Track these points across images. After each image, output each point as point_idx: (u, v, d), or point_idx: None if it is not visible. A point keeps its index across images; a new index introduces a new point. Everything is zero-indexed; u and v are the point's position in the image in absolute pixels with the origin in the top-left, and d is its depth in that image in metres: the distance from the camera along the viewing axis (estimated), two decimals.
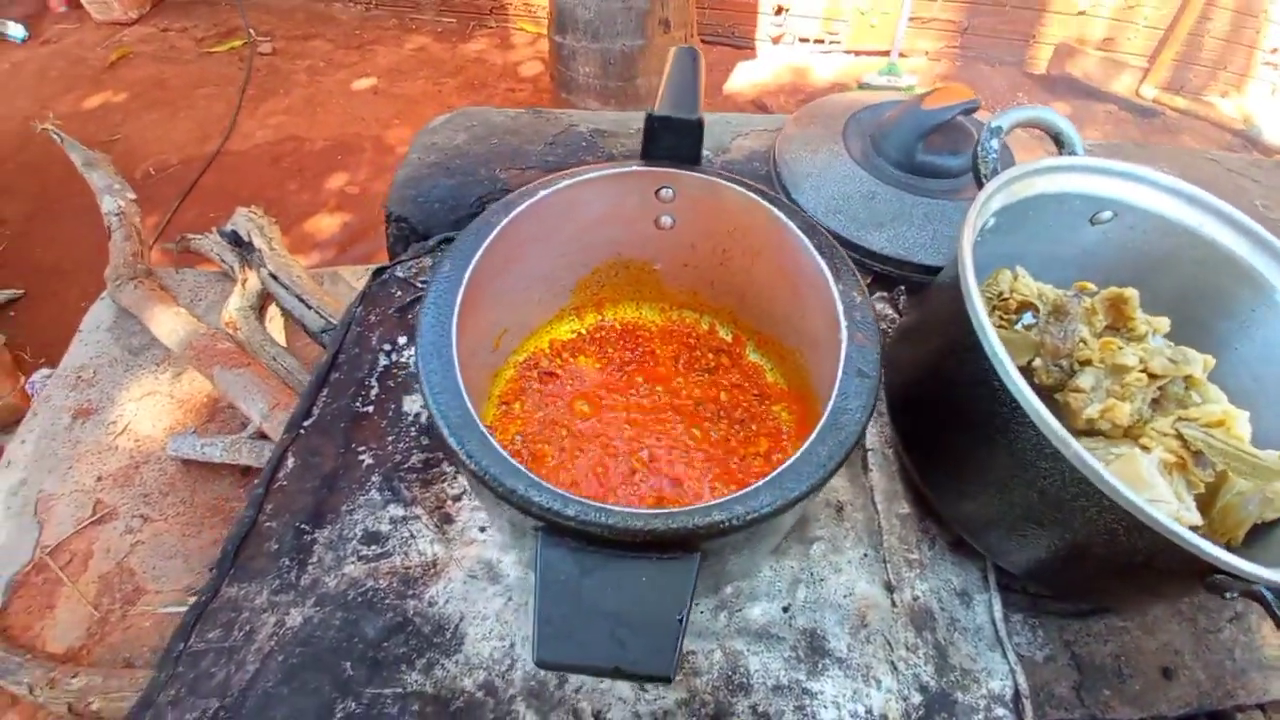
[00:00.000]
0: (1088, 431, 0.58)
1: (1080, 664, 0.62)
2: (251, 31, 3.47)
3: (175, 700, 0.53)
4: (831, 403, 0.46)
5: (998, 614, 0.61)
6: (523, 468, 0.42)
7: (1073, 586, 0.60)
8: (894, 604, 0.61)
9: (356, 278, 1.63)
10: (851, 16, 3.37)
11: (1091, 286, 0.65)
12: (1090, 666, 0.62)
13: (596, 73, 2.60)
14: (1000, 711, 0.55)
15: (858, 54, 3.47)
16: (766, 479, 0.43)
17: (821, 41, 3.49)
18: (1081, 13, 3.17)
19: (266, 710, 0.52)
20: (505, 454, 0.43)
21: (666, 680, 0.40)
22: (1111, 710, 0.60)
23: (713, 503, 0.42)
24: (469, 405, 0.45)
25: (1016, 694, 0.56)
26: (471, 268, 0.53)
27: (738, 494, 0.42)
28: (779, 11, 3.44)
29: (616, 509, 0.41)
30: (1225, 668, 0.63)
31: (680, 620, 0.40)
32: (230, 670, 0.55)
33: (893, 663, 0.58)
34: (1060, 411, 0.59)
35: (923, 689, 0.56)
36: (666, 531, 0.41)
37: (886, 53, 3.37)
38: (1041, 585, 0.63)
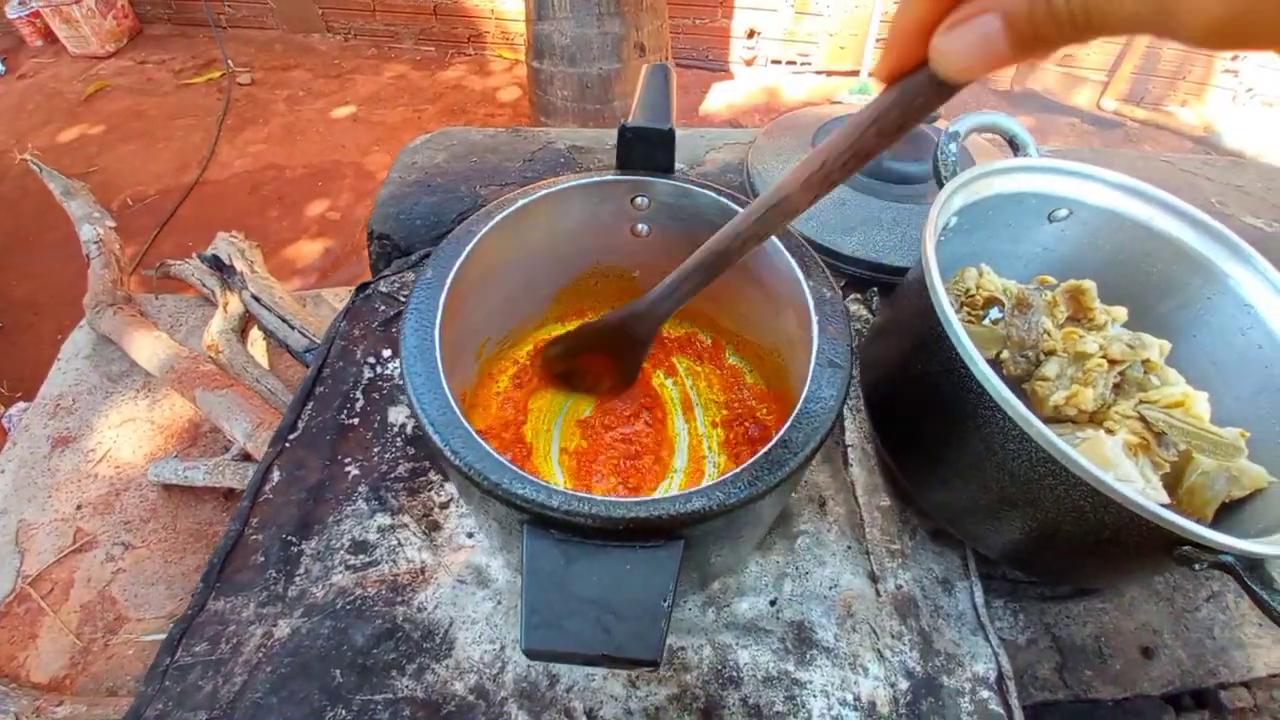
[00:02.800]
0: (1055, 419, 0.61)
1: (1061, 646, 0.63)
2: (230, 63, 3.50)
3: (163, 715, 0.53)
4: (805, 392, 0.48)
5: (979, 599, 0.63)
6: (507, 461, 0.43)
7: (1047, 567, 0.61)
8: (878, 594, 0.63)
9: (339, 299, 1.63)
10: (822, 39, 3.47)
11: (1052, 280, 0.68)
12: (1071, 648, 0.63)
13: (574, 96, 2.65)
14: (985, 693, 0.57)
15: (829, 74, 3.57)
16: (744, 466, 0.44)
17: (793, 63, 3.58)
18: None
19: None
20: (490, 449, 0.44)
21: (654, 665, 0.40)
22: (1094, 690, 0.61)
23: (692, 490, 0.43)
24: (453, 404, 0.46)
25: (1000, 676, 0.58)
26: (453, 274, 0.54)
27: (717, 481, 0.43)
28: (751, 35, 3.54)
29: (599, 498, 0.42)
30: (1206, 646, 0.65)
31: (665, 605, 0.41)
32: (218, 683, 0.54)
33: (879, 651, 0.59)
34: (1029, 401, 0.61)
35: (909, 674, 0.57)
36: (649, 519, 0.42)
37: (856, 72, 3.47)
38: (1018, 568, 0.65)
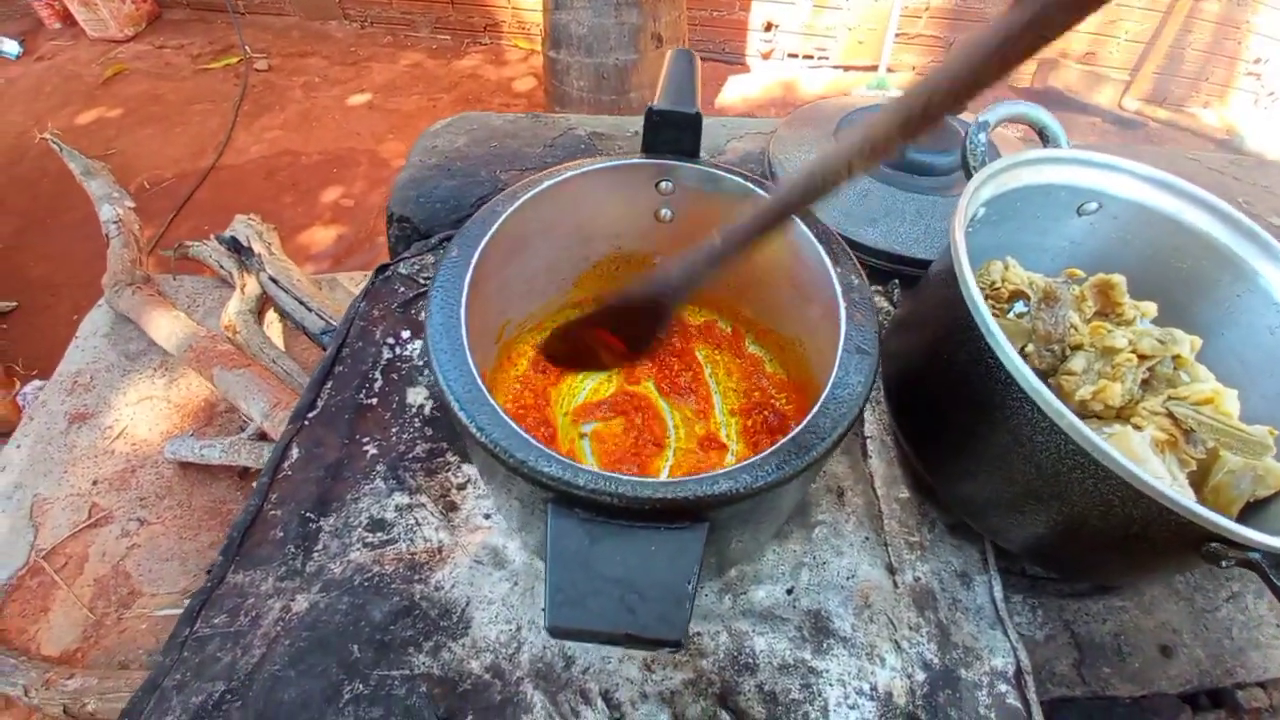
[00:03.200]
0: (1081, 414, 0.60)
1: (1080, 643, 0.63)
2: (247, 49, 3.51)
3: (181, 684, 0.53)
4: (833, 377, 0.48)
5: (998, 594, 0.62)
6: (533, 439, 0.43)
7: (1071, 563, 0.61)
8: (896, 585, 0.62)
9: (354, 284, 1.64)
10: (840, 33, 3.44)
11: (1080, 273, 0.67)
12: (1090, 645, 0.62)
13: (590, 87, 2.64)
14: (1003, 687, 0.56)
15: (846, 69, 3.54)
16: (771, 449, 0.44)
17: (810, 57, 3.56)
18: None
19: (274, 692, 0.52)
20: (516, 427, 0.44)
21: (678, 646, 0.40)
22: (1112, 687, 0.61)
23: (719, 472, 0.43)
24: (479, 381, 0.46)
25: (1019, 670, 0.57)
26: (478, 254, 0.54)
27: (743, 464, 0.43)
28: (768, 28, 3.51)
29: (626, 478, 0.42)
30: (1224, 646, 0.64)
31: (690, 587, 0.40)
32: (236, 654, 0.55)
33: (896, 642, 0.59)
34: (1055, 396, 0.61)
35: (927, 666, 0.57)
36: (675, 500, 0.42)
37: (874, 68, 3.44)
38: (1040, 563, 0.64)
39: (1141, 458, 0.54)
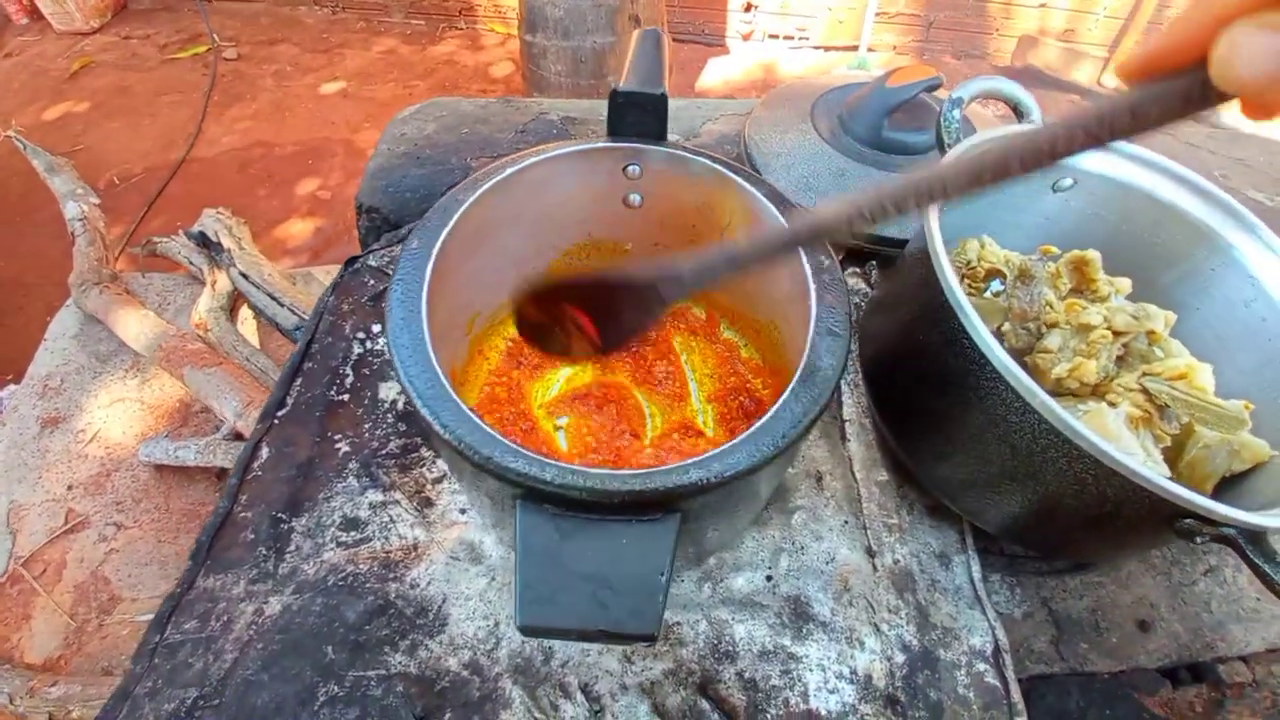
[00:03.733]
0: (1057, 391, 0.60)
1: (1058, 619, 0.63)
2: (215, 37, 3.42)
3: (153, 691, 0.52)
4: (803, 361, 0.47)
5: (976, 574, 0.62)
6: (498, 435, 0.42)
7: (1047, 541, 0.61)
8: (875, 568, 0.62)
9: (329, 277, 1.61)
10: (820, 13, 3.41)
11: (1055, 250, 0.67)
12: (1067, 621, 0.63)
13: (568, 70, 2.60)
14: (981, 666, 0.56)
15: (827, 49, 3.51)
16: (742, 437, 0.43)
17: (791, 38, 3.52)
18: (1043, 4, 3.24)
19: (247, 697, 0.52)
20: (480, 422, 0.43)
21: (651, 640, 0.40)
22: (1090, 663, 0.61)
23: (689, 461, 0.42)
24: (442, 377, 0.45)
25: (996, 649, 0.57)
26: (439, 245, 0.53)
27: (714, 452, 0.43)
28: (748, 9, 3.47)
29: (594, 471, 0.41)
30: (1203, 620, 0.65)
31: (663, 579, 0.40)
32: (209, 660, 0.54)
33: (875, 624, 0.58)
34: (1031, 374, 0.60)
35: (905, 648, 0.57)
36: (645, 491, 0.41)
37: (854, 48, 3.42)
38: (1017, 542, 0.64)
39: (1116, 435, 0.54)
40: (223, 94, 3.14)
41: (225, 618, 0.56)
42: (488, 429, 0.42)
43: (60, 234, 1.61)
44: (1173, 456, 0.57)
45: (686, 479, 0.41)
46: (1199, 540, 0.47)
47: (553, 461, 0.41)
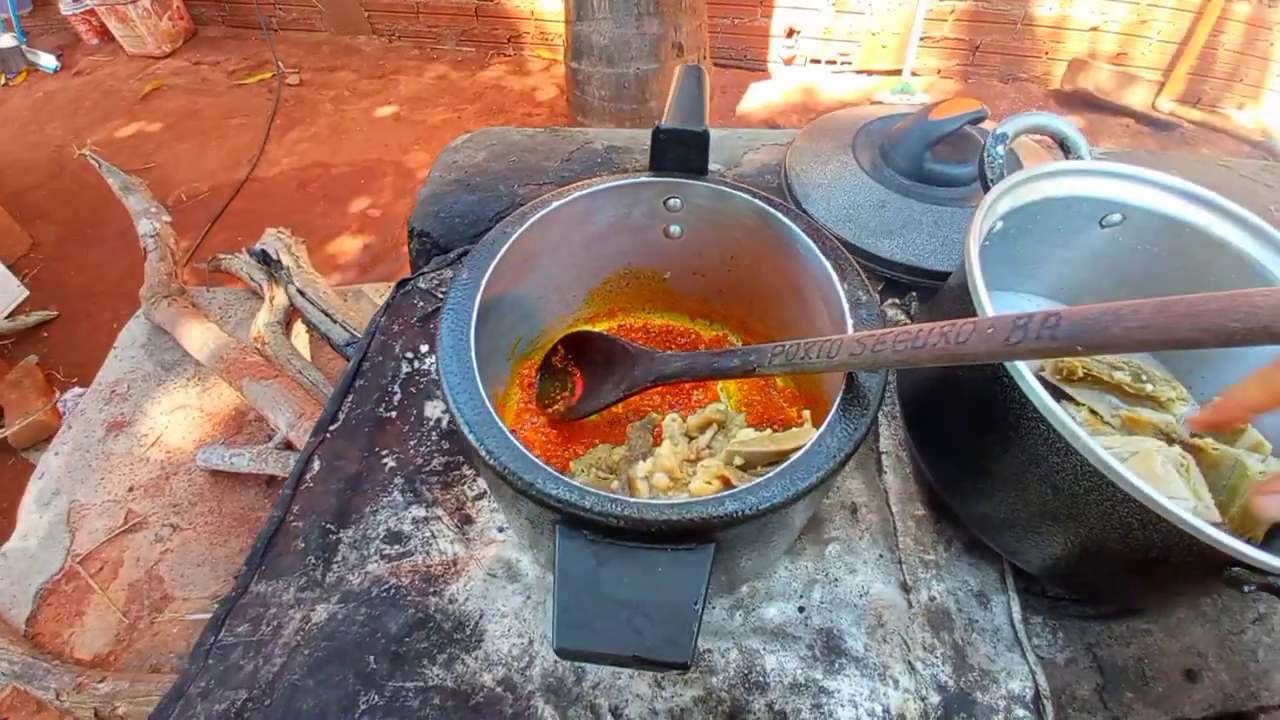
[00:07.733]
0: (1099, 430, 0.59)
1: (1102, 666, 0.61)
2: (280, 64, 3.60)
3: (205, 692, 0.55)
4: (840, 396, 0.47)
5: (1016, 615, 0.61)
6: (540, 462, 0.44)
7: (1090, 585, 0.59)
8: (910, 604, 0.61)
9: (379, 294, 1.67)
10: (863, 37, 3.41)
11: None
12: (1112, 669, 0.61)
13: (611, 95, 2.66)
14: (1020, 712, 0.55)
15: (870, 74, 3.51)
16: (778, 469, 0.44)
17: (833, 62, 3.53)
18: (1094, 28, 3.19)
19: (293, 701, 0.54)
20: (524, 450, 0.44)
21: (684, 668, 0.40)
22: (1134, 713, 0.59)
23: (725, 493, 0.43)
24: (488, 404, 0.47)
25: (1037, 694, 0.56)
26: (488, 275, 0.55)
27: (750, 485, 0.43)
28: (790, 34, 3.50)
29: (632, 500, 0.42)
30: (1249, 669, 0.62)
31: (697, 609, 0.41)
32: (258, 663, 0.56)
33: (910, 662, 0.58)
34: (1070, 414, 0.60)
35: (941, 689, 0.56)
36: (681, 522, 0.42)
37: (898, 72, 3.41)
38: (1059, 585, 0.63)
39: (1164, 478, 0.53)
40: (284, 117, 3.30)
41: (275, 623, 0.59)
42: (530, 456, 0.44)
43: (128, 247, 1.72)
44: (1224, 503, 0.55)
45: (722, 510, 0.42)
46: (1247, 589, 0.45)
47: (592, 490, 0.42)
